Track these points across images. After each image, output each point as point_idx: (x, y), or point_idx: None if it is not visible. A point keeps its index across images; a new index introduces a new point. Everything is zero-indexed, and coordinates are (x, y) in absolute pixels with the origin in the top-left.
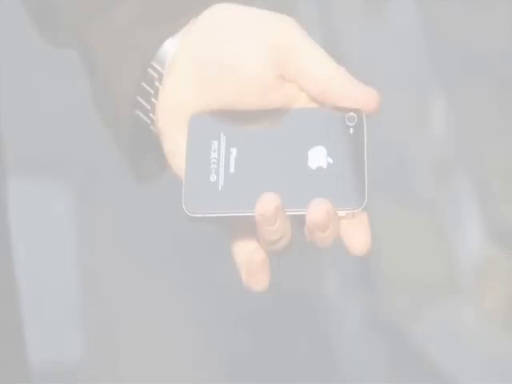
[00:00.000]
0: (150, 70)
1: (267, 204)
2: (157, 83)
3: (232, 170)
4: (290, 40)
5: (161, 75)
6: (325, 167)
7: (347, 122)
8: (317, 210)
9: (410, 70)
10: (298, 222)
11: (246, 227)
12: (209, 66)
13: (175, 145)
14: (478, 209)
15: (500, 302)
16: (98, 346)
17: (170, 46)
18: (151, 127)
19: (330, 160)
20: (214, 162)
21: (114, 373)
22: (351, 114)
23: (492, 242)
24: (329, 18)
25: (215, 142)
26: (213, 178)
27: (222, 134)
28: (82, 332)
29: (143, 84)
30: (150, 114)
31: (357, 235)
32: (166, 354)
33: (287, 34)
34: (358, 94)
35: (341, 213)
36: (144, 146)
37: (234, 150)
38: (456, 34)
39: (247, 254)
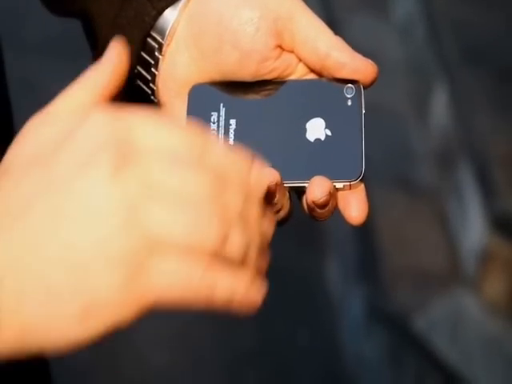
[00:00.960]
0: (149, 40)
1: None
2: (157, 53)
3: (231, 141)
4: (289, 10)
5: (161, 45)
6: (323, 139)
7: (345, 94)
8: (318, 191)
9: (412, 61)
10: (297, 193)
11: None
12: (208, 37)
13: (174, 113)
14: (480, 199)
15: (502, 291)
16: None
17: (170, 16)
18: (152, 97)
19: (328, 132)
20: (213, 134)
21: (117, 367)
22: (349, 85)
23: (494, 231)
24: (330, 8)
25: (215, 114)
26: None
27: (221, 105)
28: None
29: (143, 54)
30: (151, 84)
31: (354, 206)
32: (169, 343)
33: (286, 4)
34: (355, 64)
35: (338, 184)
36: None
37: (233, 122)
38: (458, 25)
39: None
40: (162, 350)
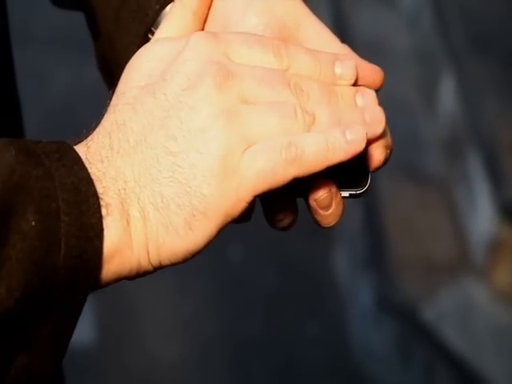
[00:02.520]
0: (150, 36)
1: None
2: None
3: None
4: (296, 18)
5: None
6: None
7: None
8: (318, 188)
9: (419, 49)
10: (306, 202)
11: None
12: None
13: None
14: (489, 187)
15: None
16: (109, 327)
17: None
18: None
19: None
20: None
21: (125, 354)
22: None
23: (503, 219)
24: None
25: None
26: None
27: None
28: (93, 315)
29: None
30: None
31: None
32: (176, 335)
33: (292, 12)
34: (361, 72)
35: (344, 193)
36: None
37: None
38: (465, 13)
39: None
40: (170, 341)
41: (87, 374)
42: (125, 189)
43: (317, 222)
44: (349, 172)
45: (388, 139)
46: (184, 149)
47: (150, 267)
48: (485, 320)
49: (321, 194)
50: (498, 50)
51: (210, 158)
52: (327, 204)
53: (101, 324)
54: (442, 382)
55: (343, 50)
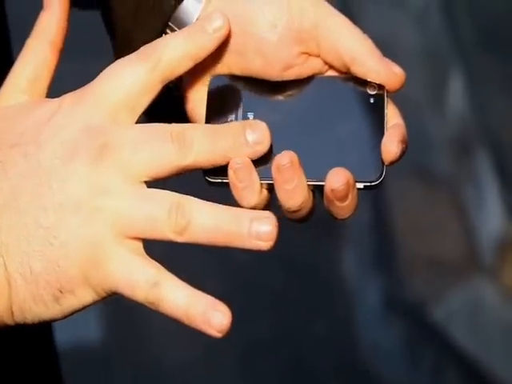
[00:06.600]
0: (168, 31)
1: (283, 158)
2: None
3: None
4: (314, 16)
5: None
6: (343, 137)
7: (368, 92)
8: (336, 178)
9: (428, 47)
10: (319, 192)
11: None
12: (232, 39)
13: (197, 108)
14: (497, 186)
15: None
16: (115, 328)
17: (192, 9)
18: (175, 92)
19: (349, 130)
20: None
21: (133, 353)
22: (373, 84)
23: None
24: None
25: (233, 105)
26: None
27: (240, 96)
28: (101, 312)
29: None
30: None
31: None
32: (182, 334)
33: (310, 10)
34: (383, 72)
35: (359, 185)
36: (165, 109)
37: (250, 115)
38: (475, 11)
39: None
40: (177, 342)
41: (93, 375)
42: None
43: (331, 214)
44: (363, 164)
45: (404, 133)
46: (55, 224)
47: (12, 323)
48: (494, 319)
49: (339, 185)
50: (507, 50)
51: (78, 242)
52: (344, 195)
53: (107, 325)
54: (450, 382)
55: (364, 46)
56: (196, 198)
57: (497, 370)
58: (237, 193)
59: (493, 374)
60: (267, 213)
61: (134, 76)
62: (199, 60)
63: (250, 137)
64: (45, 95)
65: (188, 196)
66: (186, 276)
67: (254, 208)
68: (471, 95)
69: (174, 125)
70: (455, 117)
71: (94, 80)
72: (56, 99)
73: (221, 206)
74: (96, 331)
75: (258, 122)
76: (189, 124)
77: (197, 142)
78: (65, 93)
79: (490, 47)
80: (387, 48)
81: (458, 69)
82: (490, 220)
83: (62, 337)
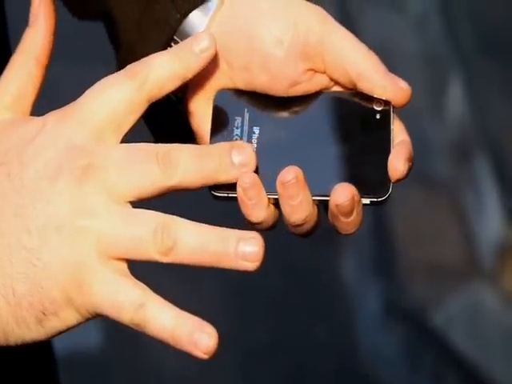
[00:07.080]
0: (173, 45)
1: (288, 174)
2: None
3: (254, 149)
4: (319, 33)
5: None
6: (349, 153)
7: (374, 108)
8: (342, 194)
9: (427, 52)
10: (323, 208)
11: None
12: (237, 54)
13: (202, 123)
14: (497, 191)
15: None
16: (115, 333)
17: (197, 22)
18: (178, 106)
19: (355, 146)
20: (236, 140)
21: (132, 361)
22: (379, 100)
23: None
24: (345, 0)
25: (239, 119)
26: None
27: (245, 111)
28: (100, 320)
29: None
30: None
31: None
32: None
33: (316, 26)
34: (390, 87)
35: (365, 201)
36: (169, 124)
37: (256, 130)
38: (474, 16)
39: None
40: (175, 348)
41: (91, 382)
42: None
43: (335, 229)
44: (370, 180)
45: (411, 150)
46: (38, 246)
47: None
48: (494, 324)
49: (344, 200)
50: (507, 55)
51: (62, 263)
52: (349, 211)
53: (106, 332)
54: None
55: (369, 62)
56: (182, 218)
57: (497, 374)
58: (246, 210)
59: (493, 379)
60: (253, 233)
61: (121, 94)
62: (186, 79)
63: (236, 158)
64: (29, 112)
65: (174, 216)
66: (185, 282)
67: (261, 222)
68: (471, 100)
69: (159, 145)
70: (455, 122)
71: (80, 97)
72: (40, 117)
73: (207, 226)
74: (95, 339)
75: (244, 144)
76: (174, 144)
77: (182, 162)
78: (61, 98)
79: (490, 52)
80: (387, 53)
81: (458, 74)
82: (490, 225)
83: (60, 344)
